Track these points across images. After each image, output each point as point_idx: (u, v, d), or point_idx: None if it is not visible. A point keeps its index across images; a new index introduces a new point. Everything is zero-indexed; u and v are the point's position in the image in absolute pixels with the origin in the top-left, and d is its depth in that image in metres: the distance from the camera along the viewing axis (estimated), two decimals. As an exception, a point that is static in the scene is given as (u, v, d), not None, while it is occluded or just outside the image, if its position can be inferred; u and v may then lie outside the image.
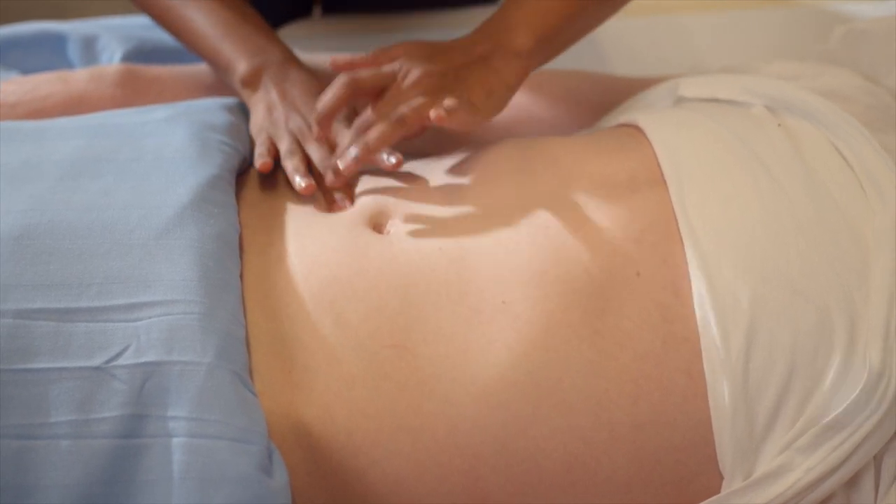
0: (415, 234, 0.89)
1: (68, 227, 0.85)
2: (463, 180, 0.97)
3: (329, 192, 0.97)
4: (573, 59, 1.34)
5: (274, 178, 0.99)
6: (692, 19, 1.45)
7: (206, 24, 1.07)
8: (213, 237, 0.86)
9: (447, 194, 0.94)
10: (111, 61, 1.20)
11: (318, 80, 1.05)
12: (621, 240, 0.87)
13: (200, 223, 0.86)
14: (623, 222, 0.89)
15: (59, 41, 1.23)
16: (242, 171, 1.00)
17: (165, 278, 0.82)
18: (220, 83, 1.11)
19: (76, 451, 0.76)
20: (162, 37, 1.23)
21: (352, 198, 0.96)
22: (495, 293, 0.85)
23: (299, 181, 0.95)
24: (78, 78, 1.14)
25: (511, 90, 0.99)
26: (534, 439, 0.82)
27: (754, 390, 0.82)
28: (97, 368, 0.78)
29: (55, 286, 0.81)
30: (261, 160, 0.97)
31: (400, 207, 0.92)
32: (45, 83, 1.14)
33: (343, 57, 1.00)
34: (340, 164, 0.95)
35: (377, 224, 0.92)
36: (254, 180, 0.99)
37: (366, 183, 0.97)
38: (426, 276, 0.86)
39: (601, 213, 0.89)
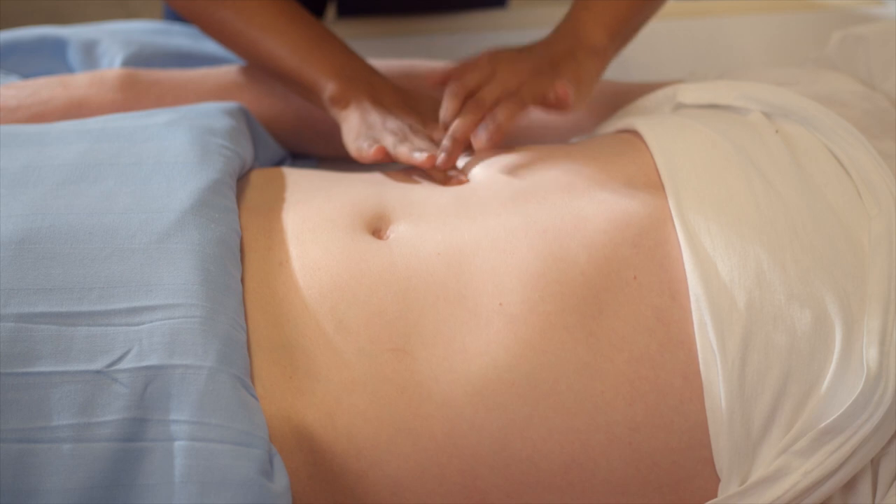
0: (413, 239, 0.89)
1: (69, 232, 0.85)
2: (461, 185, 0.98)
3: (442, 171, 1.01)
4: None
5: (275, 183, 0.99)
6: (690, 25, 1.46)
7: (283, 46, 1.07)
8: (215, 241, 0.86)
9: (446, 199, 0.95)
10: (111, 66, 1.20)
11: (407, 91, 1.08)
12: (618, 243, 0.88)
13: (202, 227, 0.87)
14: (620, 226, 0.89)
15: (59, 46, 1.23)
16: (243, 176, 1.00)
17: (167, 282, 0.83)
18: (220, 88, 1.11)
19: (77, 455, 0.76)
20: (162, 41, 1.23)
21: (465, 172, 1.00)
22: (492, 296, 0.85)
23: (419, 155, 0.98)
24: (78, 82, 1.14)
25: (594, 84, 1.05)
26: (531, 440, 0.82)
27: (750, 393, 0.82)
28: (98, 372, 0.78)
29: (56, 290, 0.82)
30: (372, 148, 1.00)
31: (399, 213, 0.93)
32: (45, 87, 1.14)
33: (435, 71, 1.06)
34: (474, 142, 1.00)
35: (377, 229, 0.92)
36: (254, 183, 0.99)
37: (366, 188, 0.97)
38: (425, 280, 0.86)
39: (598, 217, 0.89)
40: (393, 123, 1.03)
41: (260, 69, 1.12)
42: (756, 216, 0.88)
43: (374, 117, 1.04)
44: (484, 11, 1.53)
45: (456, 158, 1.00)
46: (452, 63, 1.09)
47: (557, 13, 1.51)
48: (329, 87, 1.06)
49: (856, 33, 1.14)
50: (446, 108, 1.02)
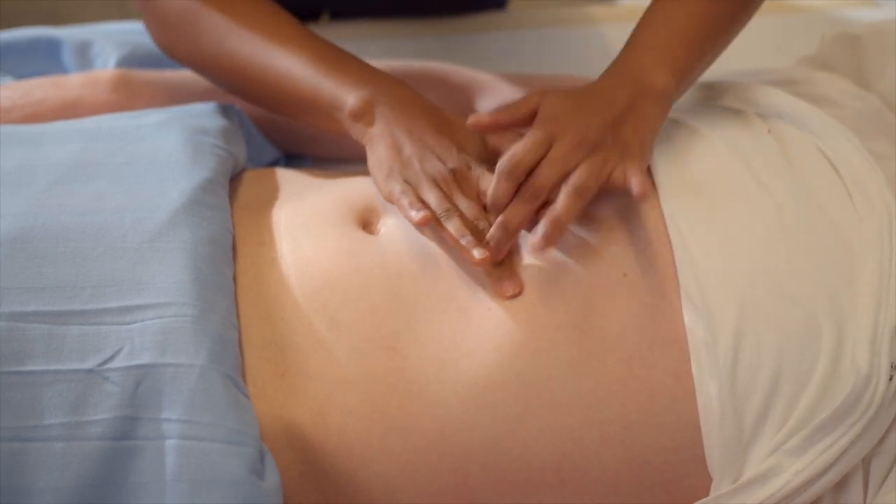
0: (405, 234, 0.89)
1: (62, 231, 0.85)
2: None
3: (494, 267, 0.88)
4: (574, 61, 1.35)
5: (268, 182, 0.99)
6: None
7: (297, 65, 0.96)
8: (207, 240, 0.86)
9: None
10: (105, 66, 1.20)
11: (439, 109, 0.95)
12: (609, 242, 0.88)
13: (193, 226, 0.87)
14: (611, 225, 0.89)
15: (53, 46, 1.23)
16: (236, 175, 1.00)
17: (158, 281, 0.83)
18: (213, 89, 1.11)
19: (69, 453, 0.76)
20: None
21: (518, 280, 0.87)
22: (483, 295, 0.85)
23: (476, 254, 0.84)
24: (72, 83, 1.15)
25: (656, 134, 0.93)
26: (523, 439, 0.82)
27: (742, 392, 0.82)
28: (90, 371, 0.78)
29: (49, 289, 0.82)
30: (420, 213, 0.86)
31: (389, 205, 0.92)
32: (39, 88, 1.14)
33: (483, 116, 0.91)
34: (530, 245, 0.85)
35: (367, 222, 0.92)
36: (247, 183, 0.99)
37: (357, 182, 0.97)
38: (416, 278, 0.86)
39: (589, 216, 0.89)
40: (433, 166, 0.90)
41: (276, 101, 1.00)
42: (748, 216, 0.89)
43: (409, 150, 0.91)
44: (482, 14, 1.52)
45: (506, 251, 0.87)
46: (498, 103, 1.00)
47: (558, 14, 1.52)
48: (350, 101, 0.93)
49: (849, 34, 1.14)
50: (498, 191, 0.87)
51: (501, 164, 0.87)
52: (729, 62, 1.02)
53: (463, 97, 1.14)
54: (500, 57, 1.42)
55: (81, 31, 1.25)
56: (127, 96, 1.14)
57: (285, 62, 0.96)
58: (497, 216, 0.87)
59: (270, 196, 0.96)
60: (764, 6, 1.01)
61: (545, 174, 0.87)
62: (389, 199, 0.89)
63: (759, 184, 0.90)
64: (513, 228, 0.86)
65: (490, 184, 0.88)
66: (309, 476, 0.82)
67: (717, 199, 0.90)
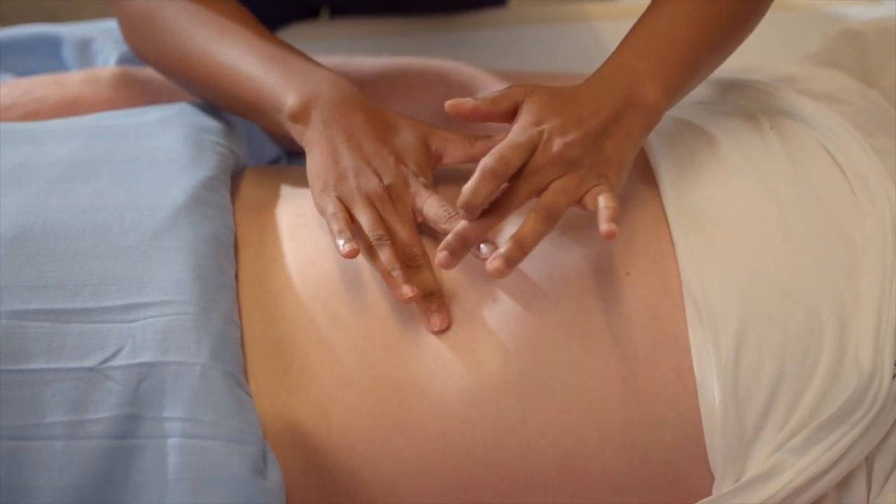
0: None
1: (63, 229, 0.85)
2: (454, 180, 0.97)
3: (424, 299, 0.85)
4: (575, 58, 1.35)
5: (270, 180, 0.99)
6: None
7: (244, 66, 0.94)
8: (208, 238, 0.86)
9: (436, 182, 0.93)
10: (106, 64, 1.20)
11: (380, 111, 0.92)
12: (612, 240, 0.88)
13: (195, 224, 0.87)
14: (613, 223, 0.89)
15: (54, 44, 1.23)
16: (238, 173, 1.00)
17: (160, 279, 0.83)
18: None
19: (70, 452, 0.76)
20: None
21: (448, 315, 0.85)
22: (484, 292, 0.85)
23: (405, 291, 0.82)
24: (73, 80, 1.14)
25: (638, 149, 0.89)
26: (525, 437, 0.82)
27: (744, 391, 0.82)
28: (92, 369, 0.78)
29: (50, 287, 0.82)
30: (347, 246, 0.83)
31: None
32: (40, 86, 1.14)
33: (463, 102, 0.87)
34: (489, 266, 0.80)
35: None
36: (248, 181, 0.99)
37: None
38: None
39: (590, 216, 0.89)
40: (368, 183, 0.87)
41: (221, 98, 0.99)
42: (750, 213, 0.88)
43: (346, 161, 0.88)
44: (482, 11, 1.52)
45: (460, 260, 0.83)
46: (481, 85, 0.99)
47: (558, 11, 1.51)
48: (289, 101, 0.91)
49: (852, 30, 1.14)
50: (478, 192, 0.81)
51: (487, 162, 0.81)
52: (731, 58, 1.01)
53: (463, 94, 1.14)
54: (501, 54, 1.42)
55: (82, 29, 1.25)
56: (128, 94, 1.14)
57: (233, 63, 0.95)
58: (462, 216, 0.82)
59: (272, 194, 0.96)
60: (766, 3, 1.01)
61: (519, 189, 0.83)
62: (322, 216, 0.87)
63: (762, 181, 0.90)
64: (471, 241, 0.83)
65: (425, 202, 0.86)
66: (310, 474, 0.82)
67: (719, 196, 0.90)
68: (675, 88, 0.91)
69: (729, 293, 0.84)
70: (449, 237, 0.83)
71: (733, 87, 1.02)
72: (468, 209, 0.81)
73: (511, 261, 0.80)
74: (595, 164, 0.85)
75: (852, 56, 1.13)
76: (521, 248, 0.81)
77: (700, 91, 1.04)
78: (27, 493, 0.76)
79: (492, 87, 1.13)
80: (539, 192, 0.84)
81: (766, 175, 0.91)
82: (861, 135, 0.94)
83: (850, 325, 0.83)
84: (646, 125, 0.89)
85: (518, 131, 0.84)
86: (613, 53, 0.92)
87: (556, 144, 0.84)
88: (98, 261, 0.84)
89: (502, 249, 0.81)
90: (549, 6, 1.54)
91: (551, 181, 0.83)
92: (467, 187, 0.81)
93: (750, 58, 1.14)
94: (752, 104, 1.00)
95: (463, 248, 0.83)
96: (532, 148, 0.83)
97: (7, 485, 0.75)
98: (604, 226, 0.79)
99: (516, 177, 0.83)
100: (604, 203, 0.81)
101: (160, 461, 0.77)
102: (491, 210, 0.83)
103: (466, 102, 0.87)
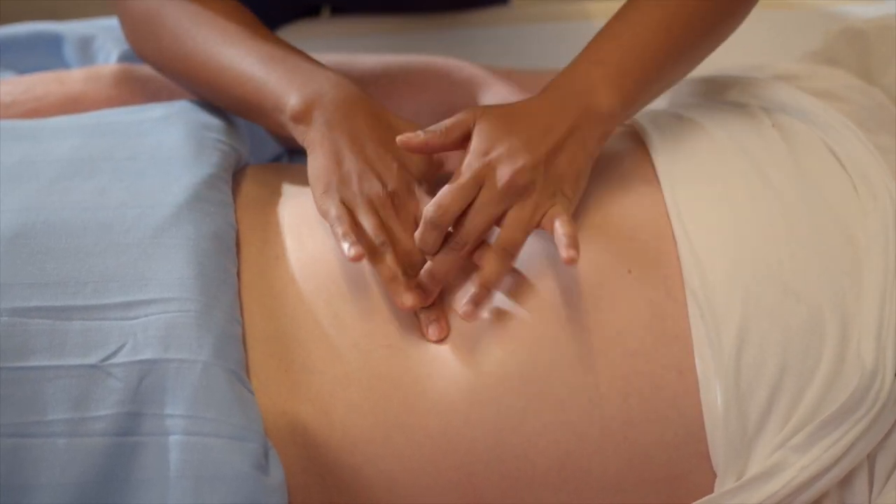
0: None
1: (64, 227, 0.85)
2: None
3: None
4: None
5: (271, 178, 0.99)
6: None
7: (246, 67, 0.94)
8: (210, 236, 0.86)
9: (437, 187, 0.94)
10: (107, 61, 1.20)
11: (383, 113, 0.92)
12: (613, 237, 0.88)
13: (196, 222, 0.87)
14: (615, 220, 0.89)
15: (55, 42, 1.23)
16: (239, 171, 1.00)
17: (161, 277, 0.83)
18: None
19: (72, 449, 0.76)
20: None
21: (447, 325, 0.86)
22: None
23: (406, 300, 0.83)
24: (74, 78, 1.14)
25: (594, 159, 0.89)
26: (526, 435, 0.82)
27: (746, 388, 0.82)
28: (93, 366, 0.78)
29: (51, 285, 0.82)
30: (353, 249, 0.82)
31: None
32: (41, 83, 1.14)
33: (413, 137, 0.86)
34: (460, 312, 0.83)
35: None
36: (250, 179, 0.99)
37: None
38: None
39: (593, 212, 0.89)
40: (371, 187, 0.87)
41: (224, 100, 0.99)
42: (752, 211, 0.88)
43: (349, 164, 0.87)
44: (483, 10, 1.52)
45: (434, 296, 0.85)
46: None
47: (560, 9, 1.51)
48: (291, 102, 0.91)
49: (853, 28, 1.14)
50: (427, 240, 0.84)
51: (428, 212, 0.83)
52: (731, 57, 1.01)
53: (465, 92, 1.14)
54: (502, 52, 1.42)
55: (83, 26, 1.25)
56: (129, 91, 1.14)
57: (234, 64, 0.95)
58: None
59: (274, 192, 0.96)
60: (768, 1, 1.01)
61: (472, 223, 0.84)
62: (324, 218, 0.87)
63: (764, 178, 0.90)
64: (440, 277, 0.85)
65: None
66: (312, 472, 0.82)
67: (722, 194, 0.90)
68: (633, 95, 0.90)
69: (731, 291, 0.84)
70: (422, 274, 0.85)
71: (735, 85, 1.02)
72: (425, 250, 0.85)
73: (480, 303, 0.83)
74: (549, 183, 0.85)
75: (853, 54, 1.13)
76: (486, 290, 0.83)
77: (701, 88, 1.04)
78: (28, 490, 0.75)
79: (493, 85, 1.13)
80: (497, 221, 0.85)
81: (768, 173, 0.91)
82: (862, 132, 0.94)
83: (852, 323, 0.83)
84: (601, 134, 0.89)
85: (464, 168, 0.85)
86: (573, 60, 0.92)
87: (505, 173, 0.84)
88: (99, 258, 0.84)
89: (470, 293, 0.83)
90: (550, 4, 1.54)
91: (506, 209, 0.84)
92: (415, 235, 0.85)
93: (750, 58, 1.14)
94: (754, 102, 1.00)
95: (433, 284, 0.85)
96: (478, 185, 0.84)
97: (8, 482, 0.75)
98: (563, 253, 0.81)
99: (468, 213, 0.84)
100: (560, 231, 0.82)
101: (162, 458, 0.77)
102: (450, 246, 0.84)
103: (416, 136, 0.87)
